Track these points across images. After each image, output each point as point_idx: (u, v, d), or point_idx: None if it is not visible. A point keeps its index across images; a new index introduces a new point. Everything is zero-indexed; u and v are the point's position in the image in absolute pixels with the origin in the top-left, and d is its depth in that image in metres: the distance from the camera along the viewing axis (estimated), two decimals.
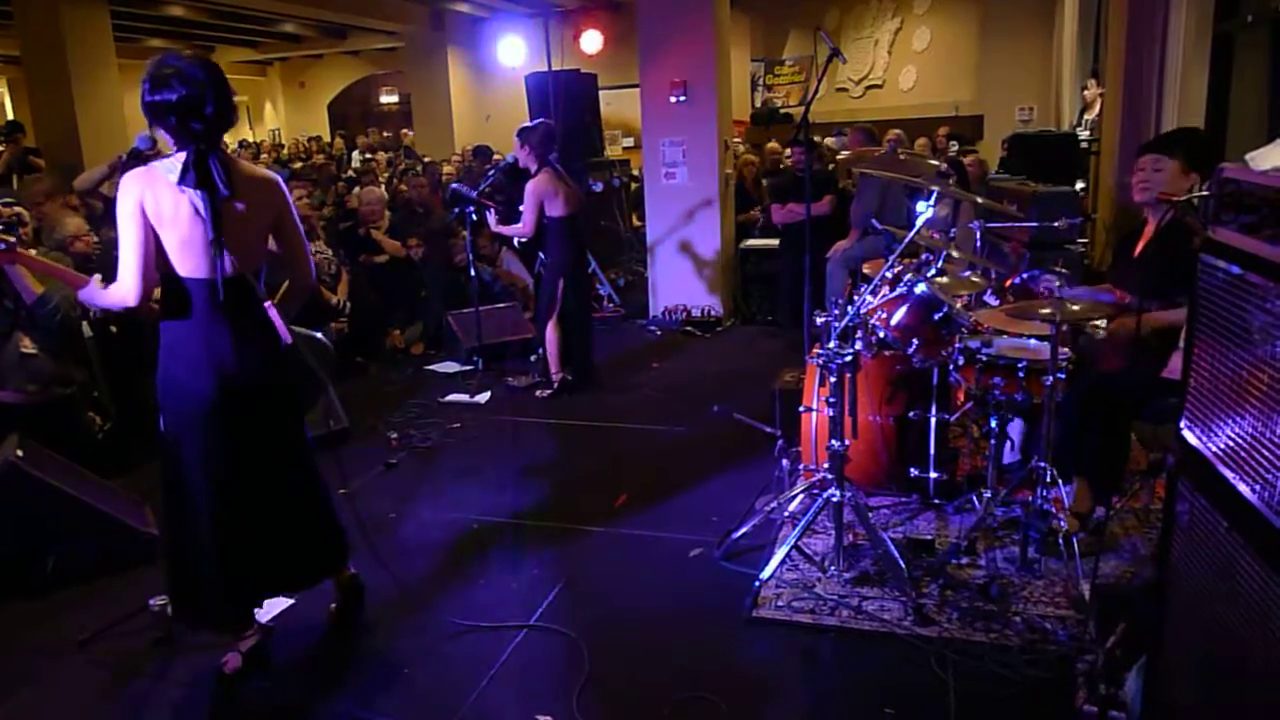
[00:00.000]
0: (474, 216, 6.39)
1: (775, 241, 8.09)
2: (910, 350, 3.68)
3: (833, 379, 3.54)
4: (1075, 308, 3.34)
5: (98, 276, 2.93)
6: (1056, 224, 4.86)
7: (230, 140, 17.93)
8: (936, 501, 4.12)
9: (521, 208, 5.95)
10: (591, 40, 12.41)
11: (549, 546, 4.06)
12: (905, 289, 3.72)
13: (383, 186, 9.02)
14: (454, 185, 6.72)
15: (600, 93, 10.42)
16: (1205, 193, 2.04)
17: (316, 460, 3.24)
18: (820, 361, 3.64)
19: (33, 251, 3.08)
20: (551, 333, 6.12)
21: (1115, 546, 3.70)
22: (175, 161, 2.69)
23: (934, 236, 4.14)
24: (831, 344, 3.58)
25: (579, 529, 4.20)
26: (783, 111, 15.75)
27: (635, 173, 10.83)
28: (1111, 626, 2.72)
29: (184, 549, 3.03)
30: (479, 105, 16.77)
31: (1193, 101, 6.17)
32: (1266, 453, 1.73)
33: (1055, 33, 12.50)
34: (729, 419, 5.20)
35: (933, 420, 4.01)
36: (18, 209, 5.18)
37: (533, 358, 6.53)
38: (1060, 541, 3.46)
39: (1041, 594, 3.40)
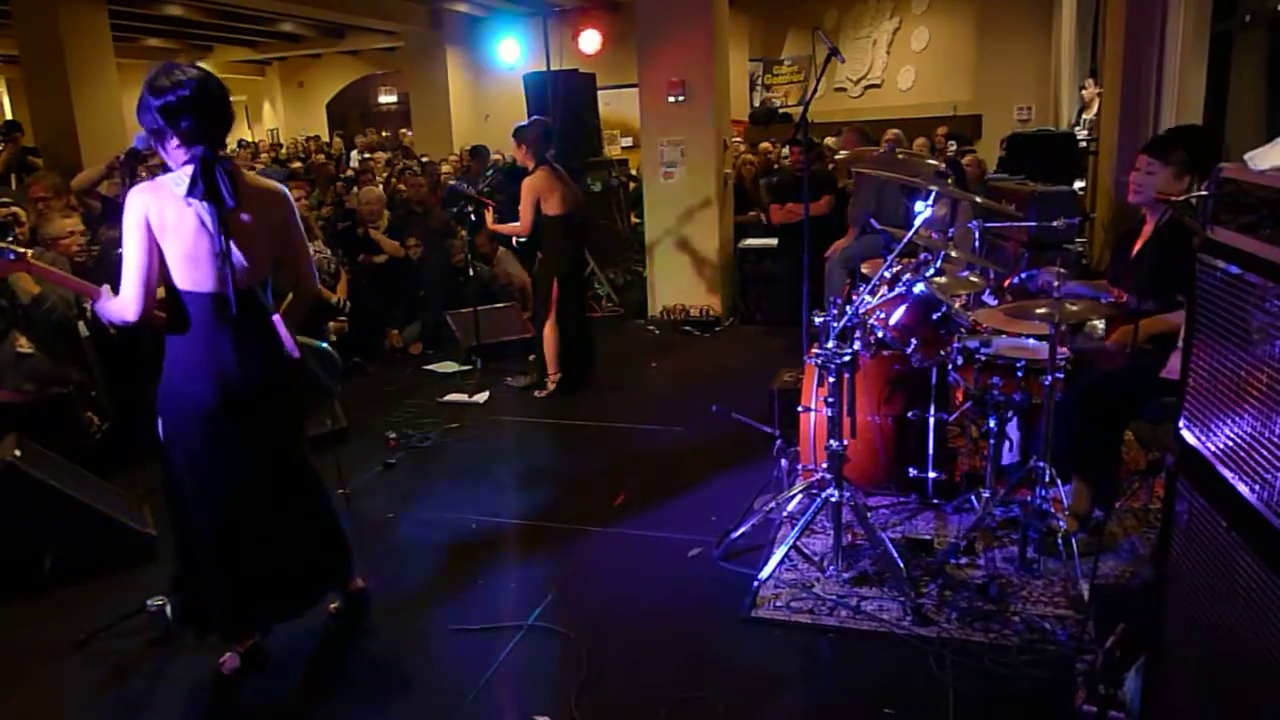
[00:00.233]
0: (472, 216, 6.39)
1: (774, 241, 8.09)
2: (909, 350, 3.68)
3: (831, 379, 3.54)
4: (1073, 308, 3.34)
5: (107, 287, 2.92)
6: (1055, 224, 4.85)
7: (229, 139, 17.94)
8: (935, 501, 4.12)
9: (520, 207, 5.95)
10: (590, 40, 12.41)
11: (547, 546, 4.06)
12: (904, 289, 3.72)
13: (381, 186, 9.00)
14: (452, 183, 6.72)
15: (599, 92, 10.42)
16: (1204, 192, 2.03)
17: (318, 470, 3.24)
18: (819, 361, 3.64)
19: (29, 252, 3.07)
20: (549, 332, 6.11)
21: (1114, 546, 3.70)
22: (182, 175, 2.68)
23: (932, 236, 4.14)
24: (830, 344, 3.57)
25: (577, 529, 4.19)
26: (781, 111, 15.75)
27: (634, 172, 10.83)
28: (1111, 626, 2.72)
29: (190, 558, 3.02)
30: (477, 105, 16.77)
31: (1191, 101, 6.17)
32: (1265, 452, 1.73)
33: (1053, 32, 12.50)
34: (727, 419, 5.19)
35: (931, 420, 4.01)
36: (14, 209, 5.17)
37: (531, 357, 6.53)
38: (1059, 541, 3.45)
39: (1040, 594, 3.40)
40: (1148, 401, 3.45)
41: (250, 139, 19.35)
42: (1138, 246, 3.80)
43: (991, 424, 3.74)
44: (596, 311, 8.60)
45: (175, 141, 2.69)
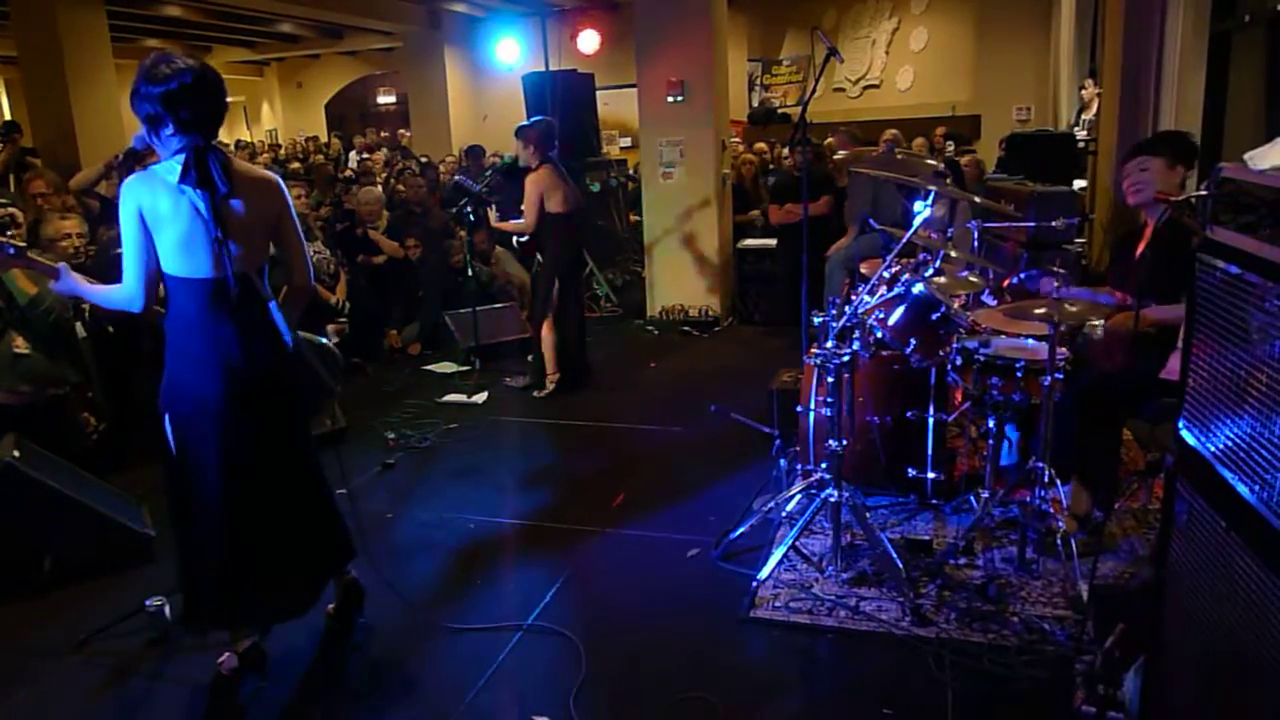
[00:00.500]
0: (472, 216, 6.38)
1: (773, 241, 8.10)
2: (908, 350, 3.68)
3: (830, 379, 3.54)
4: (1072, 309, 3.34)
5: (64, 265, 2.93)
6: (1054, 224, 4.85)
7: (227, 139, 17.96)
8: (934, 502, 4.12)
9: (522, 206, 5.94)
10: (588, 40, 12.41)
11: (546, 546, 4.06)
12: (902, 289, 3.71)
13: (380, 187, 9.00)
14: (457, 178, 6.71)
15: (597, 93, 10.42)
16: (1203, 192, 2.03)
17: (319, 461, 3.23)
18: (818, 361, 3.64)
19: (29, 249, 3.09)
20: (548, 332, 6.11)
21: (1113, 547, 3.70)
22: (174, 163, 2.69)
23: (931, 236, 4.14)
24: (829, 344, 3.57)
25: (576, 529, 4.19)
26: (780, 111, 15.75)
27: (632, 172, 10.83)
28: (1110, 627, 2.72)
29: (193, 555, 3.02)
30: (476, 105, 16.75)
31: (1190, 101, 6.17)
32: (1265, 452, 1.73)
33: (1052, 32, 12.50)
34: (726, 419, 5.19)
35: (930, 420, 4.01)
36: (11, 210, 5.17)
37: (530, 357, 6.52)
38: (1058, 542, 3.45)
39: (1039, 594, 3.40)
40: (1147, 402, 3.45)
41: (249, 139, 19.32)
42: (1139, 248, 3.80)
43: (990, 424, 3.74)
44: (595, 312, 8.60)
45: (171, 129, 2.69)
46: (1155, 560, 2.25)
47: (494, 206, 6.34)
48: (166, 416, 2.88)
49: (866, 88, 15.79)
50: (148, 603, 3.36)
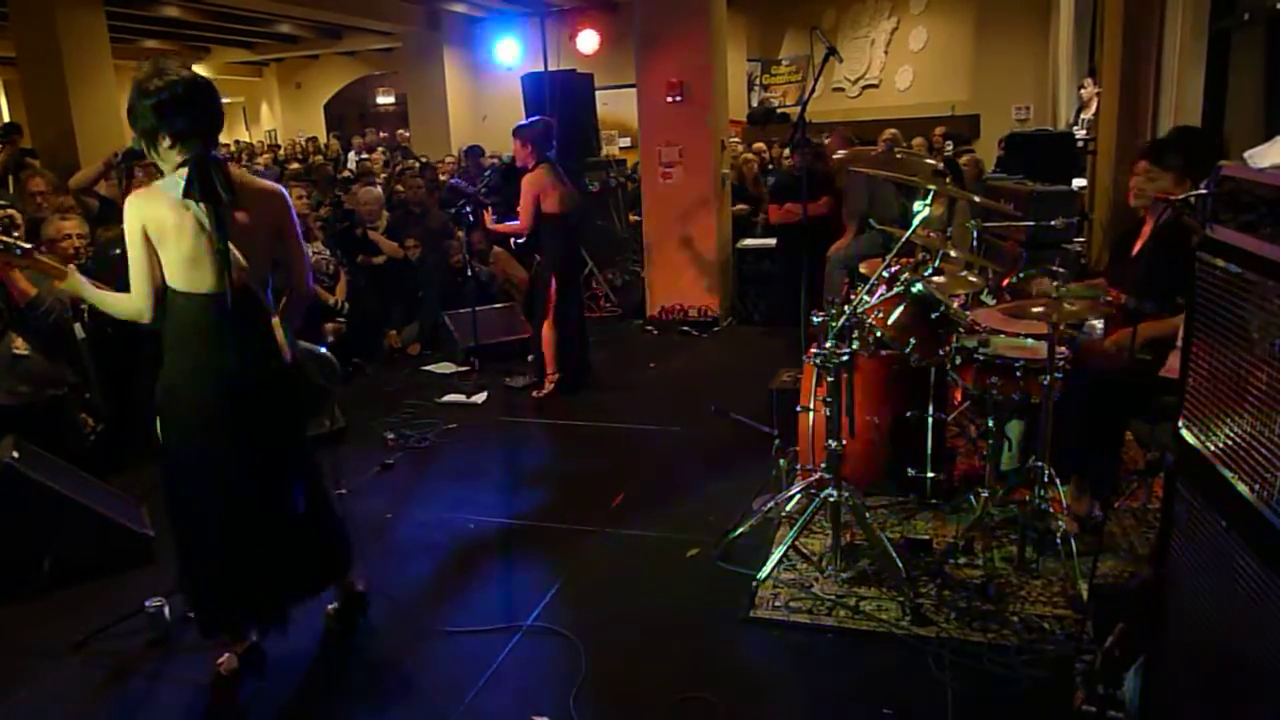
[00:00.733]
0: (470, 217, 6.38)
1: (773, 241, 8.10)
2: (907, 350, 3.68)
3: (830, 378, 3.54)
4: (1071, 308, 3.33)
5: (72, 267, 2.94)
6: (1053, 223, 4.85)
7: (226, 140, 17.95)
8: (934, 501, 4.12)
9: (518, 207, 5.94)
10: (588, 40, 12.40)
11: (545, 547, 4.05)
12: (902, 288, 3.71)
13: (380, 187, 9.00)
14: (453, 180, 6.71)
15: (597, 93, 10.41)
16: (1203, 191, 2.03)
17: (319, 467, 3.23)
18: (817, 361, 3.64)
19: (35, 249, 3.09)
20: (548, 333, 6.11)
21: (1113, 546, 3.69)
22: (177, 177, 2.68)
23: (930, 236, 4.14)
24: (829, 343, 3.57)
25: (576, 529, 4.19)
26: (779, 111, 15.75)
27: (631, 172, 10.83)
28: (1110, 626, 2.72)
29: (191, 558, 3.02)
30: (475, 105, 16.75)
31: (1189, 100, 6.17)
32: (1265, 452, 1.72)
33: (1051, 32, 12.51)
34: (726, 419, 5.19)
35: (930, 420, 4.00)
36: (10, 211, 5.17)
37: (529, 358, 6.52)
38: (1058, 541, 3.45)
39: (1039, 594, 3.40)
40: (1147, 401, 3.45)
41: (248, 140, 19.32)
42: (1137, 246, 3.80)
43: (990, 424, 3.74)
44: (595, 312, 8.60)
45: (168, 142, 2.69)
46: (1155, 560, 2.25)
47: (490, 208, 6.33)
48: (159, 421, 2.88)
49: (866, 87, 15.78)
50: (147, 603, 3.35)
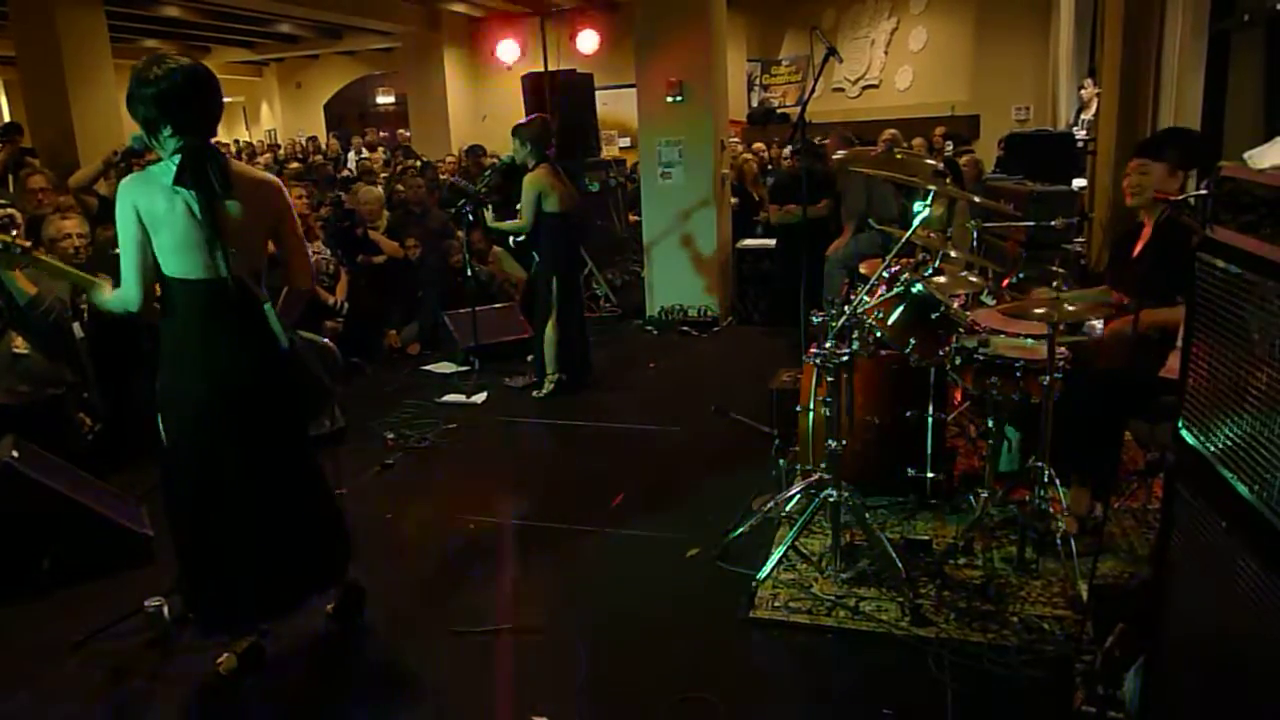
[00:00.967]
0: (470, 216, 6.38)
1: (772, 241, 8.10)
2: (907, 350, 3.67)
3: (830, 379, 3.53)
4: (1071, 308, 3.33)
5: (108, 279, 2.93)
6: (1054, 223, 4.85)
7: (226, 139, 17.96)
8: (934, 501, 4.12)
9: (519, 206, 5.94)
10: (588, 40, 12.41)
11: (545, 547, 4.05)
12: (902, 288, 3.71)
13: (381, 187, 9.00)
14: (452, 179, 6.71)
15: (596, 93, 10.42)
16: (1203, 191, 2.03)
17: (319, 462, 3.23)
18: (817, 361, 3.64)
19: (36, 249, 3.10)
20: (548, 333, 6.10)
21: (1113, 546, 3.69)
22: (171, 164, 2.69)
23: (930, 236, 4.14)
24: (828, 344, 3.57)
25: (576, 529, 4.19)
26: (779, 111, 15.75)
27: (631, 172, 10.83)
28: (1110, 627, 2.72)
29: (189, 553, 3.02)
30: (475, 105, 16.75)
31: (1189, 101, 6.17)
32: (1265, 452, 1.72)
33: (1051, 32, 12.51)
34: (726, 419, 5.19)
35: (930, 420, 4.00)
36: (10, 211, 5.17)
37: (529, 358, 6.52)
38: (1058, 541, 3.45)
39: (1039, 594, 3.40)
40: (1146, 401, 3.44)
41: (248, 139, 19.30)
42: (1138, 248, 3.80)
43: (990, 424, 3.73)
44: (595, 312, 8.60)
45: (167, 131, 2.69)
46: (1155, 560, 2.25)
47: (490, 207, 6.33)
48: (160, 417, 2.89)
49: (865, 88, 15.79)
50: (146, 603, 3.35)
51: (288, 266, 3.05)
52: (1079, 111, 10.42)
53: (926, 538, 3.77)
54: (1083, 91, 10.33)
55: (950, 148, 11.40)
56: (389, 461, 5.12)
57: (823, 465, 3.63)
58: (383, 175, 11.34)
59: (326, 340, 3.15)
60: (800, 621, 3.32)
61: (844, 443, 3.58)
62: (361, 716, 2.96)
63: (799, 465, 4.30)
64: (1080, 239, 7.49)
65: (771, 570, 3.51)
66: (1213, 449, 1.94)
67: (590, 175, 9.43)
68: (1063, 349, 3.65)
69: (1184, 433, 2.06)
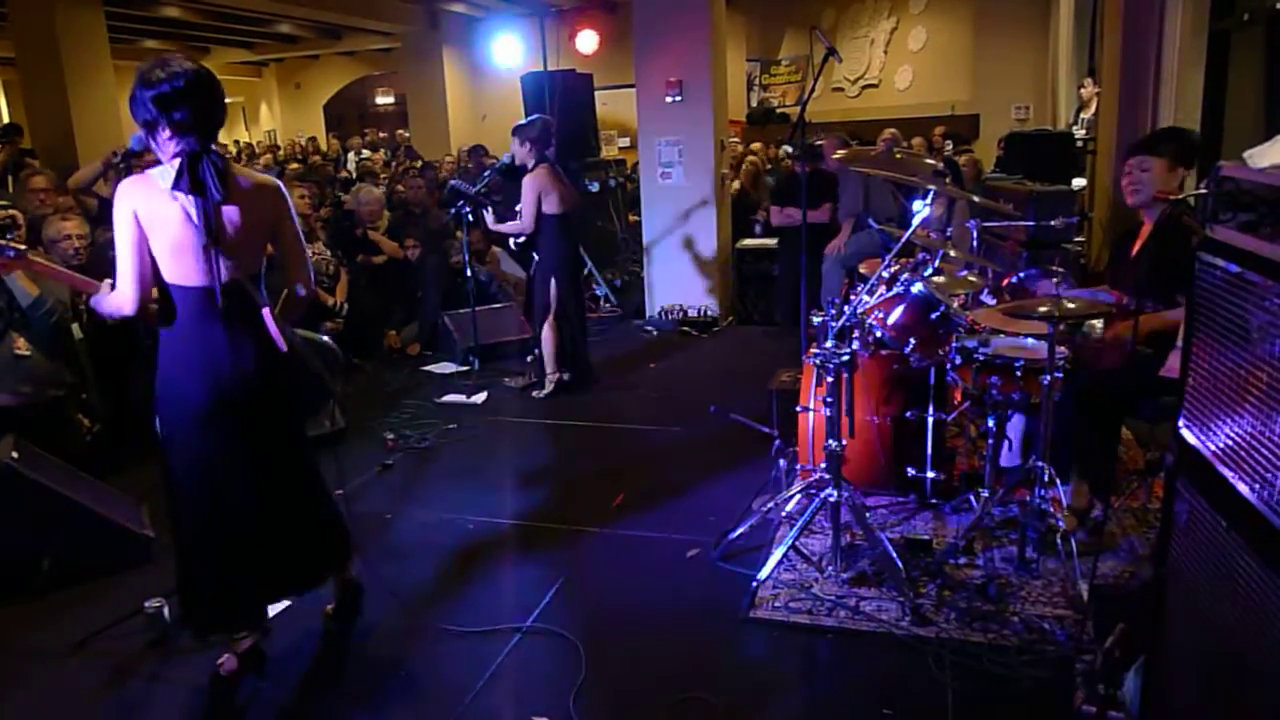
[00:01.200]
0: (470, 217, 6.38)
1: (772, 241, 8.10)
2: (907, 350, 3.68)
3: (829, 379, 3.53)
4: (1072, 306, 3.33)
5: (109, 282, 2.92)
6: (1053, 223, 4.85)
7: (226, 140, 17.95)
8: (934, 501, 4.12)
9: (518, 207, 5.94)
10: (587, 40, 12.39)
11: (546, 547, 4.05)
12: (902, 288, 3.71)
13: (381, 188, 9.01)
14: (453, 181, 6.70)
15: (596, 93, 10.41)
16: (1203, 191, 2.03)
17: (317, 463, 3.23)
18: (817, 361, 3.64)
19: (29, 250, 3.08)
20: (548, 333, 6.10)
21: (1113, 546, 3.69)
22: (170, 168, 2.68)
23: (929, 236, 4.14)
24: (828, 344, 3.57)
25: (576, 530, 4.19)
26: (779, 111, 15.75)
27: (631, 173, 10.84)
28: (1110, 626, 2.72)
29: (188, 553, 3.02)
30: (475, 105, 16.76)
31: (1189, 100, 6.17)
32: (1265, 452, 1.72)
33: (1051, 31, 12.51)
34: (726, 419, 5.19)
35: (930, 420, 4.00)
36: (12, 212, 5.17)
37: (529, 358, 6.52)
38: (1058, 541, 3.45)
39: (1039, 594, 3.40)
40: (1146, 400, 3.44)
41: (248, 140, 19.31)
42: (1137, 247, 3.80)
43: (990, 424, 3.73)
44: (594, 311, 8.60)
45: (167, 133, 2.68)
46: (1155, 560, 2.25)
47: (490, 208, 6.33)
48: (157, 419, 2.88)
49: (865, 87, 15.80)
50: (147, 604, 3.35)
51: (286, 270, 3.04)
52: (1078, 111, 10.40)
53: (926, 538, 3.77)
54: (1082, 91, 10.32)
55: (950, 147, 11.40)
56: (389, 462, 5.12)
57: (823, 465, 3.63)
58: (383, 176, 11.35)
59: (327, 338, 3.14)
60: (800, 621, 3.32)
61: (844, 443, 3.57)
62: (361, 717, 2.96)
63: (799, 465, 4.30)
64: (1080, 238, 7.48)
65: (772, 570, 3.51)
66: (1213, 448, 1.94)
67: (590, 175, 9.43)
68: (1063, 349, 3.66)
69: (1184, 432, 2.06)
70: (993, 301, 4.33)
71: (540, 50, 9.56)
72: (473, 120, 16.51)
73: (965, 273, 4.27)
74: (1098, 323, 4.06)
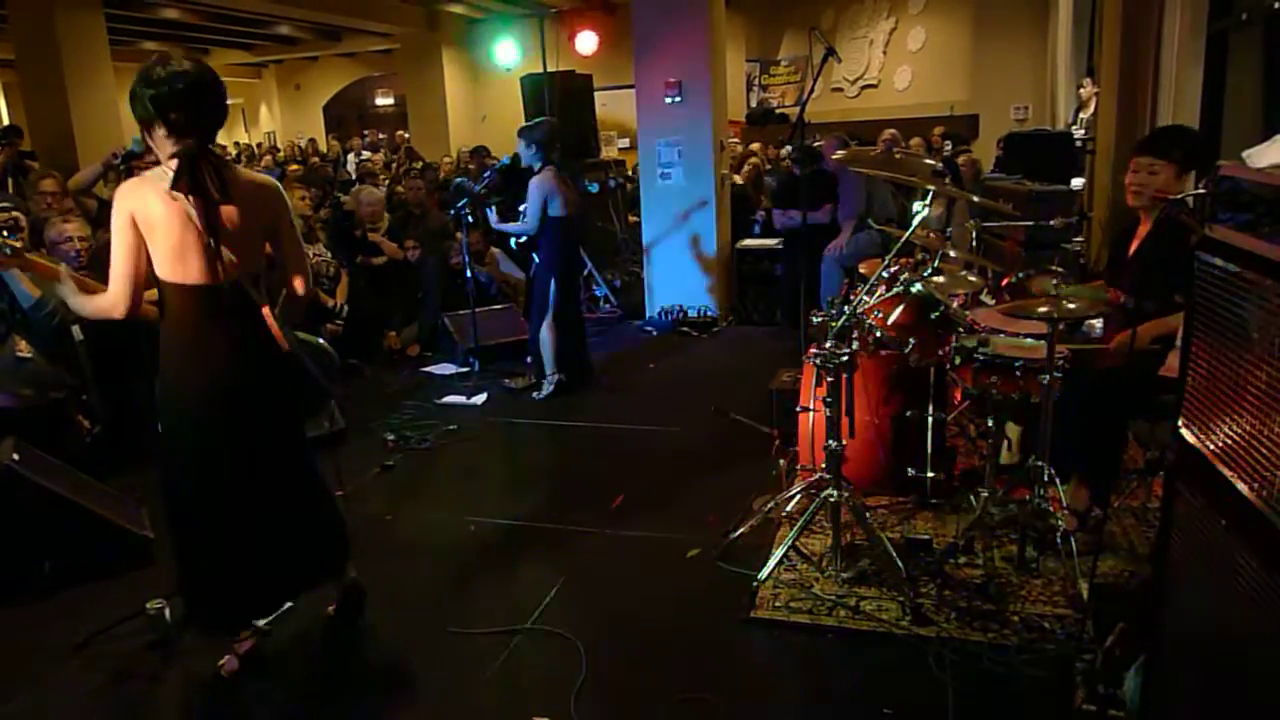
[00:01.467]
0: (469, 217, 6.38)
1: (772, 241, 8.10)
2: (907, 350, 3.68)
3: (830, 379, 3.54)
4: (1071, 306, 3.34)
5: (64, 266, 2.93)
6: (1052, 223, 4.86)
7: (225, 141, 17.95)
8: (934, 501, 4.12)
9: (521, 207, 5.93)
10: (586, 41, 12.41)
11: (546, 548, 4.05)
12: (902, 288, 3.71)
13: (382, 189, 9.01)
14: (458, 180, 6.70)
15: (595, 93, 10.42)
16: (1201, 190, 2.03)
17: (316, 462, 3.23)
18: (817, 361, 3.64)
19: (24, 247, 3.09)
20: (548, 334, 6.10)
21: (1113, 545, 3.69)
22: (169, 168, 2.68)
23: (929, 236, 4.14)
24: (828, 344, 3.57)
25: (576, 530, 4.19)
26: (778, 111, 15.76)
27: (631, 173, 10.84)
28: (1110, 626, 2.72)
29: (188, 553, 3.02)
30: (474, 106, 16.77)
31: (1188, 100, 6.17)
32: (1265, 451, 1.73)
33: (1050, 32, 12.52)
34: (726, 419, 5.19)
35: (930, 419, 4.01)
36: (14, 213, 5.17)
37: (529, 359, 6.52)
38: (1058, 540, 3.45)
39: (1039, 593, 3.40)
40: (1146, 399, 3.44)
41: (247, 141, 19.31)
42: (1134, 246, 3.80)
43: (990, 423, 3.74)
44: (594, 312, 8.61)
45: (164, 132, 2.68)
46: (1155, 559, 2.25)
47: (494, 208, 6.33)
48: (159, 420, 2.89)
49: (864, 88, 15.81)
50: (148, 605, 3.35)
51: (284, 270, 3.05)
52: (1077, 111, 10.41)
53: (926, 537, 3.77)
54: (1081, 91, 10.33)
55: (949, 147, 11.41)
56: (389, 463, 5.12)
57: (823, 465, 3.63)
58: (383, 177, 11.35)
59: (322, 341, 3.14)
60: (801, 621, 3.32)
61: (844, 443, 3.58)
62: (361, 716, 2.97)
63: (799, 465, 4.31)
64: (1079, 238, 7.49)
65: (772, 570, 3.51)
66: (1213, 448, 1.94)
67: (589, 176, 9.43)
68: (1062, 348, 3.66)
69: (1184, 431, 2.06)
70: (992, 301, 4.33)
71: (539, 51, 9.55)
72: (472, 121, 16.52)
73: (965, 273, 4.27)
74: (1097, 322, 4.07)
